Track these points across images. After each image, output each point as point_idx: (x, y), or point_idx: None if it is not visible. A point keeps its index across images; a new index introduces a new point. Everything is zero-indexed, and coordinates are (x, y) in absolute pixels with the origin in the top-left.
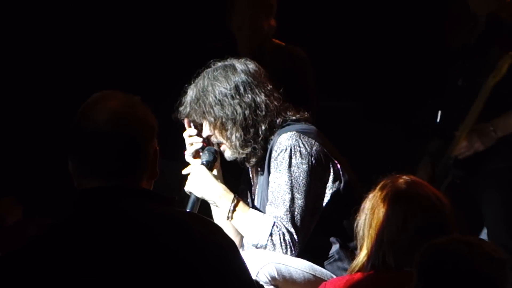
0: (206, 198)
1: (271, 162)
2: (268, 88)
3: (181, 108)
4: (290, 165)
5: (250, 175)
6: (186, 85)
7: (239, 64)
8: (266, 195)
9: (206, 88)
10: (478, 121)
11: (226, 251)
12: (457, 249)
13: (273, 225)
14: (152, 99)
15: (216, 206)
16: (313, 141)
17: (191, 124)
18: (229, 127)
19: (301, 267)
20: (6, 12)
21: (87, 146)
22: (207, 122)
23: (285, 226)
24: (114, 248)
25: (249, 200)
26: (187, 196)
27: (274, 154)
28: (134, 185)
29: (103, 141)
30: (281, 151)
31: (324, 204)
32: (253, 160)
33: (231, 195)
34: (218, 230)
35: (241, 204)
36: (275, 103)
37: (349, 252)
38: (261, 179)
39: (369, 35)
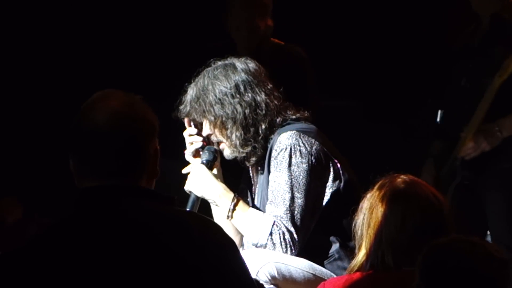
0: (206, 197)
1: (271, 161)
2: (268, 87)
3: (181, 107)
4: (290, 164)
5: (250, 174)
6: (186, 84)
7: (239, 63)
8: (266, 194)
9: (206, 87)
10: (484, 122)
11: (226, 251)
12: (459, 249)
13: (273, 224)
14: (152, 98)
15: (216, 205)
16: (313, 140)
17: (191, 123)
18: (229, 126)
19: (301, 266)
20: (6, 12)
21: (87, 145)
22: (207, 121)
23: (285, 225)
24: (114, 247)
25: (249, 199)
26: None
27: (274, 153)
28: (134, 185)
29: (102, 141)
30: (281, 150)
31: (324, 203)
32: (253, 159)
33: (231, 194)
34: (218, 229)
35: (241, 203)
36: (275, 102)
37: (349, 251)
38: (261, 178)
39: (369, 34)
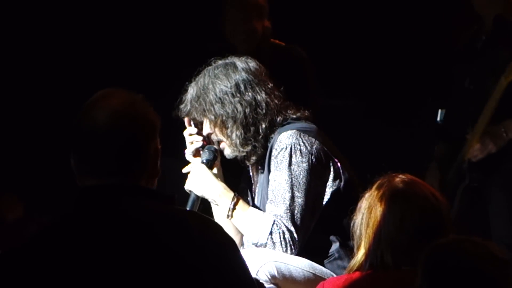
0: (206, 196)
1: (271, 160)
2: (269, 86)
3: (181, 106)
4: (290, 164)
5: (251, 174)
6: (187, 83)
7: (239, 62)
8: (266, 194)
9: (206, 86)
10: (489, 123)
11: (226, 250)
12: (461, 249)
13: (273, 223)
14: (152, 96)
15: (216, 204)
16: (313, 140)
17: (191, 123)
18: (229, 125)
19: (301, 265)
20: (8, 12)
21: (86, 145)
22: (208, 120)
23: (285, 225)
24: (113, 246)
25: (249, 198)
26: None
27: (274, 152)
28: (134, 184)
29: (102, 140)
30: (282, 149)
31: (324, 202)
32: (253, 158)
33: (231, 194)
34: (218, 228)
35: (241, 202)
36: (276, 101)
37: (349, 250)
38: (261, 177)
39: (368, 34)
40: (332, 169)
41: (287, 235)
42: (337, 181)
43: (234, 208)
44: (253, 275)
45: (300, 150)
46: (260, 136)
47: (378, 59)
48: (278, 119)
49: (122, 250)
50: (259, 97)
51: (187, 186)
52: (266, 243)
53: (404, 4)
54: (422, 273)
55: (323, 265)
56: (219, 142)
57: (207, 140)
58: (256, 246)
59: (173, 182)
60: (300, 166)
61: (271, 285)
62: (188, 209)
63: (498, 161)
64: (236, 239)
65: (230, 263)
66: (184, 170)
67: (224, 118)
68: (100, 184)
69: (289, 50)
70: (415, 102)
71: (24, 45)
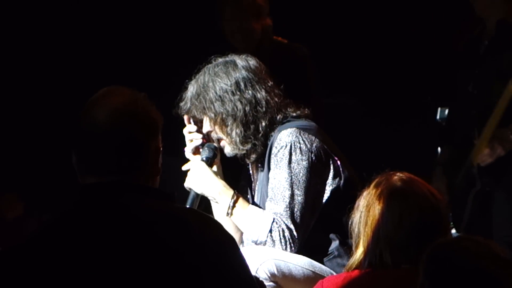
0: (206, 194)
1: (271, 158)
2: (269, 84)
3: (181, 104)
4: (290, 162)
5: (250, 171)
6: (187, 80)
7: (240, 60)
8: (266, 192)
9: (206, 84)
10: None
11: (225, 247)
12: (464, 247)
13: (273, 221)
14: (152, 94)
15: (216, 202)
16: (313, 138)
17: (191, 121)
18: (229, 123)
19: (301, 263)
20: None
21: (86, 143)
22: (208, 118)
23: (284, 223)
24: (113, 244)
25: (249, 196)
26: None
27: (274, 150)
28: (134, 182)
29: (101, 139)
30: (281, 147)
31: (324, 200)
32: (253, 156)
33: (230, 191)
34: (218, 226)
35: (240, 200)
36: (276, 99)
37: (349, 248)
38: (261, 175)
39: (368, 32)
40: (332, 167)
41: (286, 233)
42: (337, 179)
43: (233, 206)
44: (253, 273)
45: (300, 148)
46: (260, 134)
47: (377, 58)
48: (278, 117)
49: (121, 248)
50: (259, 95)
51: (187, 184)
52: (266, 241)
53: (404, 4)
54: (424, 272)
55: (322, 263)
56: (219, 140)
57: (207, 138)
58: (256, 244)
59: (173, 180)
60: (300, 164)
61: (271, 283)
62: (187, 206)
63: (507, 164)
64: (236, 237)
65: (230, 261)
66: (184, 168)
67: (224, 116)
68: (100, 182)
69: (291, 48)
70: (414, 100)
71: (25, 43)
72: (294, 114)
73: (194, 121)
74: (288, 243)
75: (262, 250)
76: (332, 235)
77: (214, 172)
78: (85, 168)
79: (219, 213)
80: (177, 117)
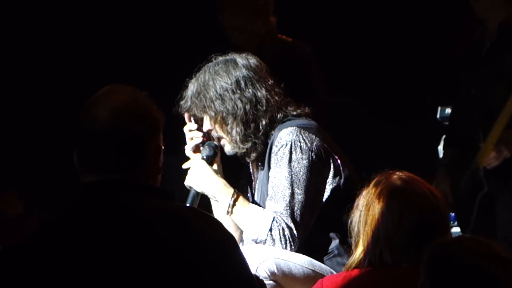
0: (206, 192)
1: (271, 157)
2: (269, 83)
3: (182, 102)
4: (290, 160)
5: (251, 170)
6: (187, 79)
7: (240, 59)
8: (266, 190)
9: (207, 83)
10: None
11: (226, 246)
12: (465, 247)
13: (273, 220)
14: (152, 93)
15: (216, 200)
16: (313, 137)
17: (192, 119)
18: (229, 122)
19: (301, 262)
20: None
21: (87, 142)
22: (208, 117)
23: (284, 221)
24: (113, 242)
25: (249, 194)
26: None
27: (274, 149)
28: (134, 180)
29: (102, 137)
30: (282, 146)
31: (324, 199)
32: (253, 155)
33: (231, 190)
34: (218, 225)
35: (241, 199)
36: (276, 98)
37: (349, 247)
38: (261, 174)
39: (368, 31)
40: (332, 166)
41: (286, 232)
42: (337, 178)
43: (234, 205)
44: (253, 272)
45: (300, 147)
46: (260, 133)
47: (377, 57)
48: (278, 115)
49: (121, 246)
50: (259, 94)
51: (187, 182)
52: (266, 239)
53: (405, 4)
54: (425, 271)
55: (322, 262)
56: (219, 138)
57: (207, 136)
58: (256, 242)
59: (173, 178)
60: (300, 163)
61: (271, 282)
62: (188, 205)
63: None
64: (236, 235)
65: (230, 259)
66: (184, 166)
67: (224, 114)
68: (100, 181)
69: (293, 47)
70: (415, 99)
71: (25, 41)
72: (295, 113)
73: (194, 120)
74: (288, 242)
75: (262, 249)
76: (332, 234)
77: (215, 171)
78: (86, 167)
79: (219, 212)
80: (178, 115)
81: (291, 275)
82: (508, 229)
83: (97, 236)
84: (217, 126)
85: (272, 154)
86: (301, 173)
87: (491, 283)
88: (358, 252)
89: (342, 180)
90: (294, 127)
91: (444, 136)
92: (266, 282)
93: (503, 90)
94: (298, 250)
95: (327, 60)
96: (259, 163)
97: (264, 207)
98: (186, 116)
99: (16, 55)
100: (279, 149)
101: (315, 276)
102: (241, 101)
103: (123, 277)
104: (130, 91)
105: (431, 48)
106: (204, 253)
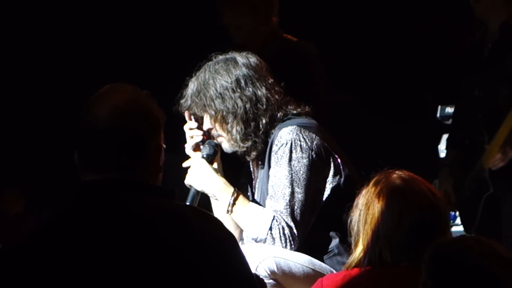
0: (206, 191)
1: (271, 156)
2: (269, 81)
3: (182, 101)
4: (290, 159)
5: (251, 169)
6: (187, 78)
7: (240, 58)
8: (266, 189)
9: (207, 81)
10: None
11: (226, 245)
12: (467, 246)
13: (273, 219)
14: (152, 91)
15: (216, 199)
16: (313, 135)
17: (192, 117)
18: (229, 121)
19: (301, 261)
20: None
21: (87, 140)
22: (208, 115)
23: (284, 220)
24: (113, 241)
25: (249, 193)
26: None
27: (274, 148)
28: (134, 179)
29: (102, 136)
30: (282, 145)
31: (324, 198)
32: (253, 153)
33: (231, 189)
34: (218, 223)
35: (241, 197)
36: (276, 96)
37: (349, 246)
38: (261, 172)
39: (369, 30)
40: (332, 165)
41: (286, 231)
42: (337, 177)
43: (234, 203)
44: (253, 271)
45: (301, 145)
46: (261, 132)
47: (378, 56)
48: (278, 114)
49: (121, 245)
50: (259, 93)
51: (187, 181)
52: (266, 238)
53: (405, 4)
54: (426, 270)
55: (322, 261)
56: (219, 137)
57: (207, 135)
58: (256, 241)
59: (173, 177)
60: (300, 161)
61: (271, 281)
62: (188, 204)
63: None
64: (236, 234)
65: (230, 258)
66: (185, 165)
67: (224, 113)
68: (99, 179)
69: (297, 46)
70: (415, 98)
71: (26, 41)
72: (295, 112)
73: (194, 118)
74: (288, 240)
75: (262, 248)
76: (332, 233)
77: (215, 169)
78: (86, 166)
79: (219, 211)
80: (178, 114)
81: (291, 274)
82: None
83: (97, 235)
84: (217, 125)
85: (272, 153)
86: (301, 172)
87: (493, 283)
88: (358, 251)
89: (342, 179)
90: (294, 126)
91: (446, 136)
92: (266, 281)
93: (508, 91)
94: (298, 249)
95: (327, 58)
96: (259, 162)
97: (264, 206)
98: (186, 114)
99: (17, 53)
100: (279, 148)
101: (315, 275)
102: (241, 99)
103: (123, 276)
104: (131, 90)
105: (431, 47)
106: (204, 252)
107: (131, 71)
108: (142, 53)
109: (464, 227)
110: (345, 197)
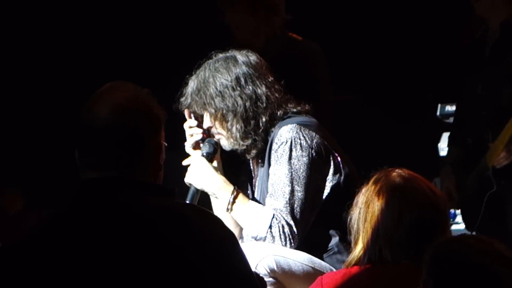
0: (206, 189)
1: (271, 154)
2: (269, 80)
3: (182, 99)
4: (290, 158)
5: (251, 167)
6: (187, 76)
7: (240, 56)
8: (266, 187)
9: (207, 80)
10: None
11: (225, 243)
12: (467, 245)
13: (273, 217)
14: (153, 90)
15: (216, 197)
16: (313, 134)
17: (192, 115)
18: (229, 119)
19: (300, 259)
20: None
21: (87, 139)
22: (208, 114)
23: (284, 219)
24: (113, 240)
25: (249, 191)
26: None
27: (274, 146)
28: (134, 178)
29: (102, 134)
30: (282, 143)
31: (324, 196)
32: (253, 152)
33: (230, 187)
34: (218, 222)
35: (240, 196)
36: (276, 95)
37: (349, 245)
38: (261, 171)
39: (369, 29)
40: (332, 163)
41: (286, 229)
42: (337, 175)
43: (233, 202)
44: (253, 269)
45: (301, 144)
46: (261, 130)
47: (378, 55)
48: (278, 112)
49: (121, 244)
50: (259, 91)
51: (187, 179)
52: (266, 236)
53: (404, 4)
54: (427, 269)
55: (322, 259)
56: (219, 135)
57: (207, 133)
58: (256, 239)
59: (173, 175)
60: (300, 160)
61: (270, 279)
62: (187, 202)
63: None
64: (235, 232)
65: (230, 256)
66: (184, 163)
67: (224, 111)
68: (99, 178)
69: (301, 45)
70: (415, 97)
71: (26, 41)
72: (295, 110)
73: (194, 116)
74: (287, 239)
75: (261, 246)
76: (332, 231)
77: (214, 168)
78: (86, 164)
79: (218, 209)
80: (178, 112)
81: (290, 272)
82: None
83: (97, 233)
84: (217, 123)
85: (272, 151)
86: (301, 170)
87: (494, 281)
88: (358, 249)
89: (342, 178)
90: (294, 124)
91: (446, 135)
92: (266, 279)
93: (510, 90)
94: (298, 247)
95: (328, 57)
96: (259, 160)
97: (264, 204)
98: (186, 113)
99: (17, 52)
100: (279, 146)
101: (315, 273)
102: (241, 98)
103: (123, 275)
104: (132, 88)
105: (431, 46)
106: (204, 250)
107: (131, 70)
108: (142, 51)
109: (465, 225)
110: (345, 195)
